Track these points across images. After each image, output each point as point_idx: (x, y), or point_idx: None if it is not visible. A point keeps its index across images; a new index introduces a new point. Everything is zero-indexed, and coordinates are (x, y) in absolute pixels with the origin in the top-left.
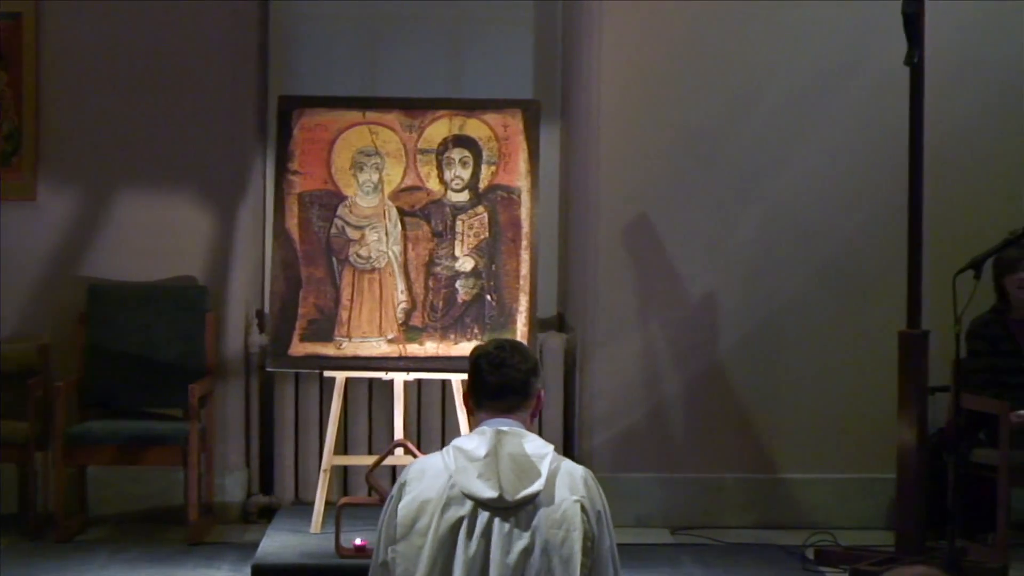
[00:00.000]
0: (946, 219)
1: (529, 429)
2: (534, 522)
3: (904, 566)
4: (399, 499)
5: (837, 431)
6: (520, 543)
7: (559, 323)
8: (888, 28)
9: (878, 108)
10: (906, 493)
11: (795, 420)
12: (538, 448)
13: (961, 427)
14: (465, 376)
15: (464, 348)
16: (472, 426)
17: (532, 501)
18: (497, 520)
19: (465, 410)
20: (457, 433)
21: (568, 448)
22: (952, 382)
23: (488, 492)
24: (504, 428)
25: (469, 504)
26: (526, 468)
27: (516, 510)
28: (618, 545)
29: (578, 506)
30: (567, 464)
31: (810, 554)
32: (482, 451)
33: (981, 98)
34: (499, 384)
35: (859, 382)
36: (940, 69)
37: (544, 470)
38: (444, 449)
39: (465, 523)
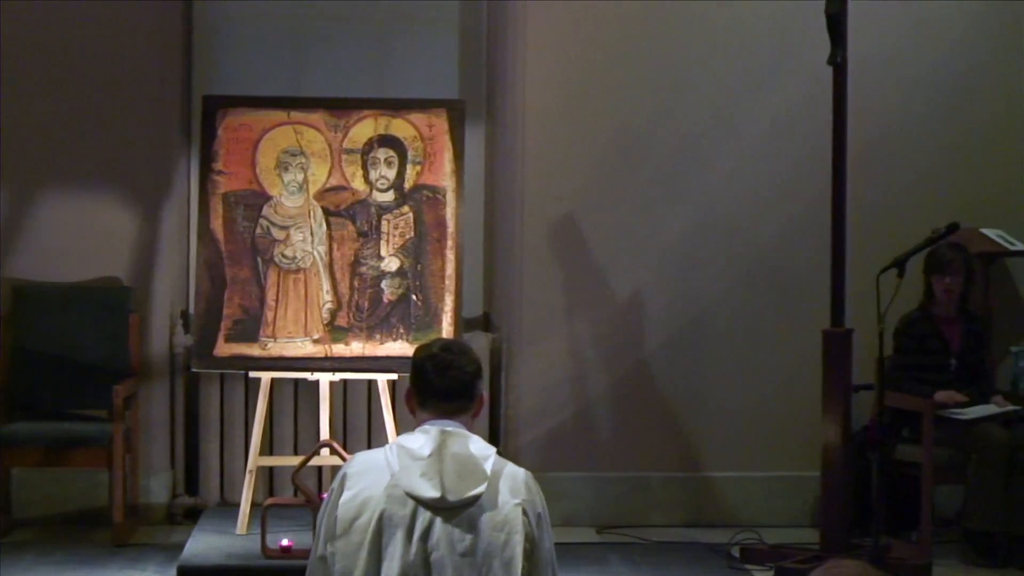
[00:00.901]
0: (869, 218)
1: (470, 430)
2: (476, 524)
3: (839, 563)
4: (340, 494)
5: (762, 429)
6: (461, 545)
7: (485, 323)
8: (812, 28)
9: (802, 108)
10: (831, 491)
11: (721, 419)
12: (482, 449)
13: (885, 425)
14: (391, 376)
15: (390, 348)
16: (415, 425)
17: (474, 503)
18: (438, 521)
19: (408, 409)
20: (383, 432)
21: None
22: (876, 380)
23: (431, 492)
24: (449, 428)
25: (411, 503)
26: (470, 469)
27: (458, 511)
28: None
29: (520, 509)
30: (510, 467)
31: (736, 552)
32: (426, 450)
33: (904, 98)
34: (445, 387)
35: (784, 380)
36: (863, 69)
37: (487, 472)
38: (387, 446)
39: (406, 522)
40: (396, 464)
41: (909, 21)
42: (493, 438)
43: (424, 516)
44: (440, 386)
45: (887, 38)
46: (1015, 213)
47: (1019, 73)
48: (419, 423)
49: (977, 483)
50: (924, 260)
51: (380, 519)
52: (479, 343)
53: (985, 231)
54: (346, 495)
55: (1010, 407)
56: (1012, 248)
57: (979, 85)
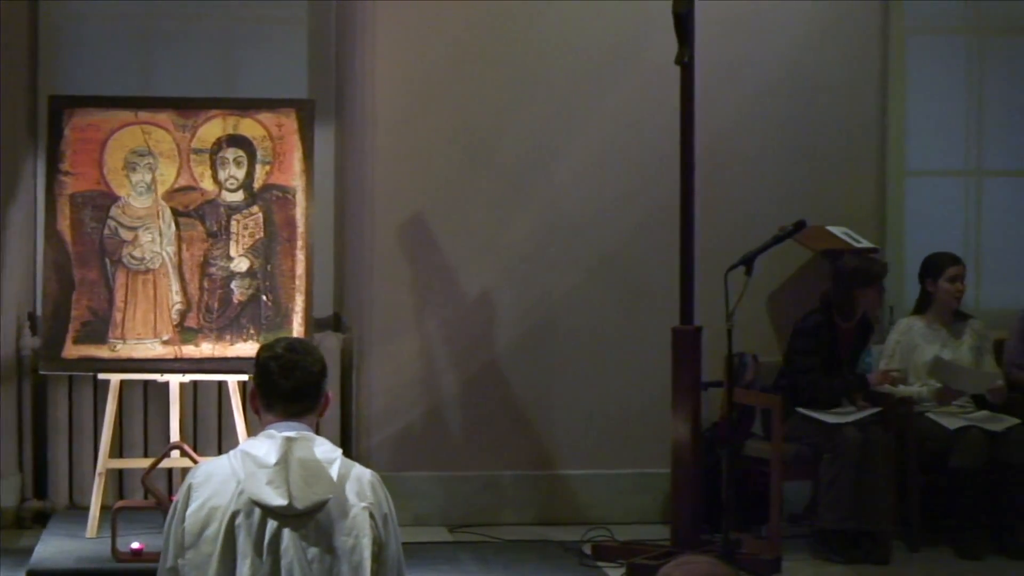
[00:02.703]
0: (717, 216)
1: (315, 430)
2: (324, 529)
3: (689, 558)
4: (186, 505)
5: (613, 427)
6: (310, 551)
7: (335, 323)
8: (659, 27)
9: (650, 106)
10: (681, 487)
11: (571, 416)
12: (327, 453)
13: (734, 421)
14: (241, 377)
15: (240, 349)
16: (260, 427)
17: (322, 508)
18: (287, 528)
19: (252, 410)
20: (234, 434)
21: (346, 448)
22: (725, 377)
23: (278, 500)
24: (293, 434)
25: (258, 512)
26: (316, 474)
27: (306, 517)
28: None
29: (367, 512)
30: (356, 469)
31: (587, 549)
32: (272, 458)
33: (751, 96)
34: (292, 387)
35: (634, 378)
36: (710, 68)
37: (334, 476)
38: (231, 453)
39: (255, 531)
40: (242, 472)
41: (756, 21)
42: (344, 439)
43: (272, 524)
44: (286, 386)
45: (734, 38)
46: (861, 210)
47: (865, 72)
48: (264, 424)
49: (830, 481)
50: (849, 273)
51: (229, 528)
52: (330, 343)
53: (831, 229)
54: (192, 506)
55: (870, 409)
56: (858, 245)
57: (826, 84)
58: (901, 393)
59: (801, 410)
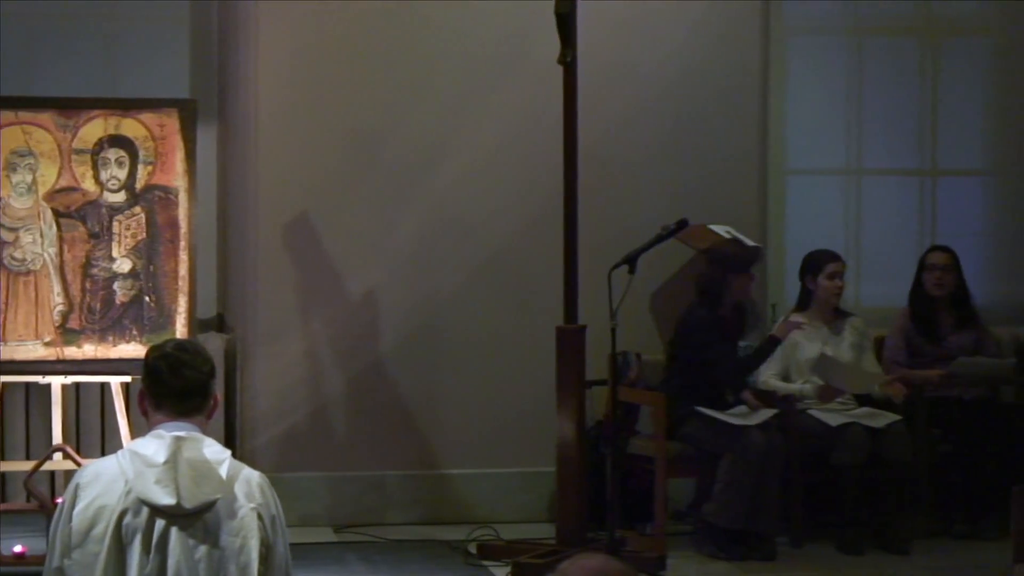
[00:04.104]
0: (601, 216)
1: (205, 431)
2: (212, 530)
3: (584, 556)
4: (72, 504)
5: (498, 426)
6: (198, 551)
7: (219, 324)
8: (545, 28)
9: (536, 107)
10: (566, 486)
11: (457, 416)
12: (216, 454)
13: (618, 419)
14: (124, 378)
15: (123, 350)
16: (148, 428)
17: (210, 508)
18: (175, 528)
19: (141, 411)
20: (117, 436)
21: (231, 450)
22: (609, 375)
23: (166, 499)
24: (182, 434)
25: (146, 511)
26: (205, 474)
27: (194, 518)
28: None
29: (255, 514)
30: (245, 470)
31: (473, 548)
32: (160, 457)
33: (634, 97)
34: (181, 387)
35: (519, 377)
36: (594, 68)
37: (223, 476)
38: (119, 452)
39: (142, 531)
40: (130, 471)
41: (640, 21)
42: (229, 440)
43: (160, 523)
44: (175, 386)
45: (618, 38)
46: (742, 209)
47: (746, 72)
48: (153, 425)
49: (728, 482)
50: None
51: (116, 528)
52: (214, 344)
53: (714, 227)
54: (79, 505)
55: (766, 409)
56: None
57: (708, 84)
58: (783, 391)
59: (702, 410)
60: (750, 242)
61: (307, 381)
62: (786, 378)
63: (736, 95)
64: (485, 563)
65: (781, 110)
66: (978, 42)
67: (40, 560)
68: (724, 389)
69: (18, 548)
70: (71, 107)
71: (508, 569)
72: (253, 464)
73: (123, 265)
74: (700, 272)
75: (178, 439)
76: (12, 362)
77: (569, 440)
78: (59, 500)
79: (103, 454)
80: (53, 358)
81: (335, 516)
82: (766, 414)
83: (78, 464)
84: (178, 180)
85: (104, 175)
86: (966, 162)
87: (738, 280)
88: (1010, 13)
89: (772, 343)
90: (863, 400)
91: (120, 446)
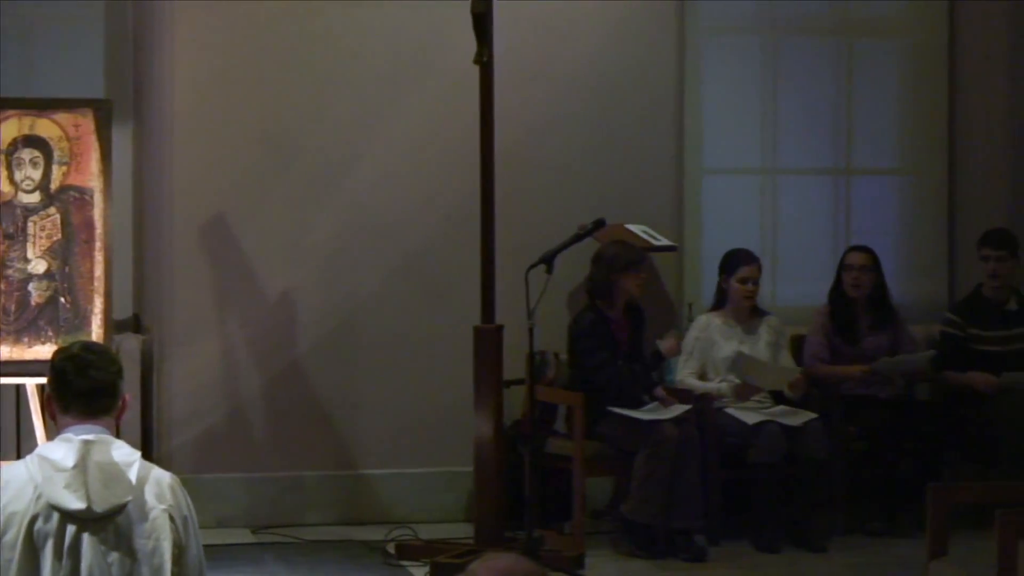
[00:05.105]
0: (518, 215)
1: (114, 433)
2: (124, 532)
3: (495, 555)
4: None
5: (416, 426)
6: (111, 555)
7: (135, 324)
8: (461, 28)
9: (451, 107)
10: (484, 485)
11: (374, 416)
12: (126, 456)
13: (536, 419)
14: (40, 380)
15: (38, 351)
16: (56, 431)
17: (121, 511)
18: (86, 532)
19: (49, 415)
20: (33, 438)
21: (147, 451)
22: (527, 375)
23: (76, 503)
24: (91, 437)
25: (57, 516)
26: (115, 477)
27: (105, 521)
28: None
29: (167, 515)
30: (155, 472)
31: (391, 548)
32: (69, 461)
33: (550, 97)
34: (88, 388)
35: (437, 377)
36: (510, 69)
37: (133, 479)
38: (28, 458)
39: (54, 536)
40: (39, 476)
41: (556, 21)
42: (145, 441)
43: (71, 528)
44: (82, 387)
45: (533, 38)
46: (659, 208)
47: (662, 71)
48: (61, 428)
49: (644, 477)
50: (606, 262)
51: (28, 534)
52: (129, 345)
53: (630, 227)
54: None
55: (679, 405)
56: (656, 243)
57: (624, 83)
58: (700, 389)
59: (614, 409)
60: (665, 241)
61: (224, 382)
62: (703, 377)
63: (652, 95)
64: (404, 563)
65: (697, 110)
66: (892, 43)
67: None
68: (611, 394)
69: None
70: None
71: (426, 569)
72: (169, 466)
73: (38, 266)
74: (588, 275)
75: (87, 442)
76: None
77: (487, 440)
78: None
79: (19, 457)
80: None
81: (253, 517)
82: (679, 409)
83: None
84: (93, 180)
85: (18, 175)
86: (880, 161)
87: (626, 280)
88: (923, 14)
89: (656, 360)
90: (780, 398)
91: (35, 448)
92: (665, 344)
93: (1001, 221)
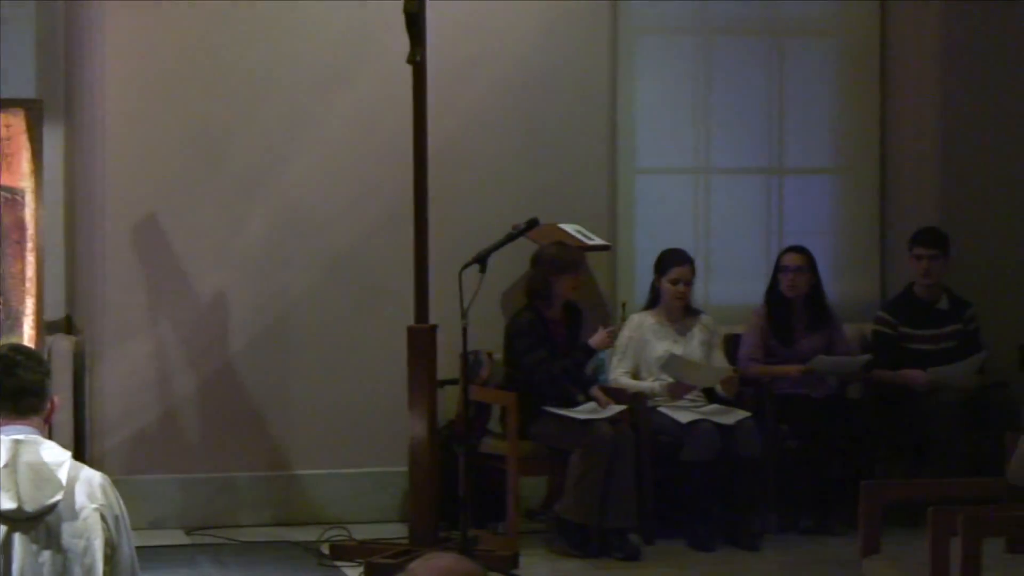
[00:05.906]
0: (452, 214)
1: (45, 435)
2: (55, 532)
3: (435, 555)
4: None
5: (349, 426)
6: (42, 555)
7: (67, 325)
8: (393, 27)
9: (383, 106)
10: (418, 485)
11: (308, 416)
12: (56, 456)
13: (470, 418)
14: None
15: None
16: None
17: (52, 511)
18: (17, 532)
19: None
20: None
21: (80, 452)
22: (460, 375)
23: (7, 504)
24: (20, 437)
25: None
26: (45, 477)
27: (36, 521)
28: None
29: (98, 514)
30: (85, 471)
31: (325, 549)
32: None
33: (484, 96)
34: (16, 388)
35: (370, 377)
36: (444, 68)
37: (63, 479)
38: None
39: None
40: None
41: (489, 20)
42: (78, 442)
43: (2, 528)
44: (10, 386)
45: (467, 37)
46: (592, 208)
47: (595, 71)
48: None
49: (578, 476)
50: (548, 264)
51: None
52: (61, 346)
53: (564, 226)
54: None
55: (615, 405)
56: (590, 242)
57: (557, 83)
58: (634, 388)
59: (549, 408)
60: (599, 240)
61: (157, 382)
62: (636, 376)
63: (585, 94)
64: (338, 563)
65: (630, 109)
66: (824, 43)
67: None
68: (547, 392)
69: None
70: None
71: (361, 569)
72: (102, 467)
73: None
74: (527, 275)
75: (16, 442)
76: None
77: (421, 439)
78: None
79: None
80: None
81: (186, 518)
82: (614, 409)
83: None
84: (24, 181)
85: None
86: (812, 161)
87: (563, 281)
88: (854, 14)
89: (587, 352)
90: (713, 397)
91: None
92: (596, 337)
93: (932, 220)
